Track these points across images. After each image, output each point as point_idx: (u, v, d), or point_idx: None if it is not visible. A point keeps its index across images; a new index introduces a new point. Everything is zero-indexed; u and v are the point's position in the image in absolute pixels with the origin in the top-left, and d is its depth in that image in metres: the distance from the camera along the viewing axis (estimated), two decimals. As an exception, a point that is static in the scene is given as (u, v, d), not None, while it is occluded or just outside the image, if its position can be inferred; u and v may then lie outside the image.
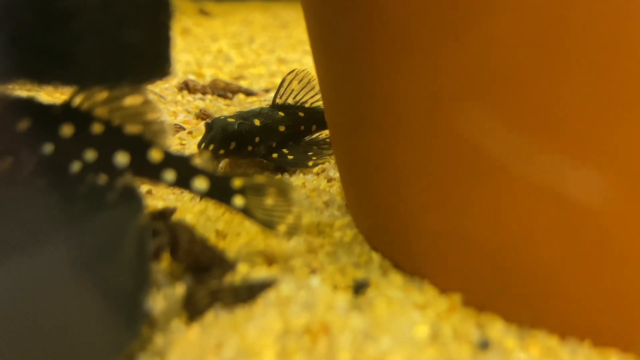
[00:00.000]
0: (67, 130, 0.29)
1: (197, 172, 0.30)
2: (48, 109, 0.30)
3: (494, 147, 0.26)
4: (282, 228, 0.32)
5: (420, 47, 0.27)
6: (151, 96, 0.30)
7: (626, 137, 0.23)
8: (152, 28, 0.27)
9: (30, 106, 0.29)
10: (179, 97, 0.67)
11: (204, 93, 0.69)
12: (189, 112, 0.62)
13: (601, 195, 0.24)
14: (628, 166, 0.23)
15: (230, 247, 0.35)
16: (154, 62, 0.28)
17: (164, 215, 0.36)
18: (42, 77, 0.25)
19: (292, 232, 0.32)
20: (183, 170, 0.30)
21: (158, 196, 0.42)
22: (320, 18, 0.34)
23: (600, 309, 0.26)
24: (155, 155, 0.30)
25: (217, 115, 0.54)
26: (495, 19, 0.24)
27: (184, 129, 0.56)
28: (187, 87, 0.68)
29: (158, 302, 0.29)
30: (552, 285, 0.27)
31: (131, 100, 0.30)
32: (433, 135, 0.28)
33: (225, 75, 0.84)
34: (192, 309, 0.28)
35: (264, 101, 0.70)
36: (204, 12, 1.56)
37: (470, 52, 0.25)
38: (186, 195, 0.42)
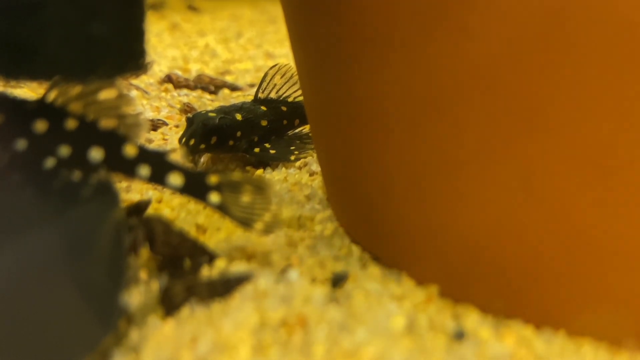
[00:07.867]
0: (40, 125, 0.29)
1: (172, 167, 0.30)
2: (21, 104, 0.29)
3: (472, 141, 0.26)
4: (258, 226, 0.31)
5: (401, 42, 0.27)
6: (126, 90, 0.30)
7: (601, 131, 0.23)
8: (124, 21, 0.27)
9: (2, 102, 0.29)
10: (162, 93, 0.66)
11: (188, 87, 0.69)
12: (172, 107, 0.62)
13: (576, 187, 0.24)
14: (603, 159, 0.23)
15: (210, 242, 0.35)
16: (127, 55, 0.28)
17: (139, 208, 0.36)
18: (9, 72, 0.25)
19: (269, 230, 0.32)
20: (158, 166, 0.30)
21: (137, 191, 0.42)
22: (298, 10, 0.34)
23: (576, 299, 0.26)
24: (129, 150, 0.29)
25: (200, 110, 0.54)
26: (476, 14, 0.24)
27: (166, 124, 0.56)
28: (170, 80, 0.68)
29: (135, 297, 0.29)
30: (527, 276, 0.27)
31: (105, 94, 0.29)
32: (412, 131, 0.28)
33: (211, 70, 0.83)
34: (169, 304, 0.28)
35: (248, 96, 0.69)
36: (192, 8, 1.55)
37: (450, 48, 0.25)
38: (166, 189, 0.42)
